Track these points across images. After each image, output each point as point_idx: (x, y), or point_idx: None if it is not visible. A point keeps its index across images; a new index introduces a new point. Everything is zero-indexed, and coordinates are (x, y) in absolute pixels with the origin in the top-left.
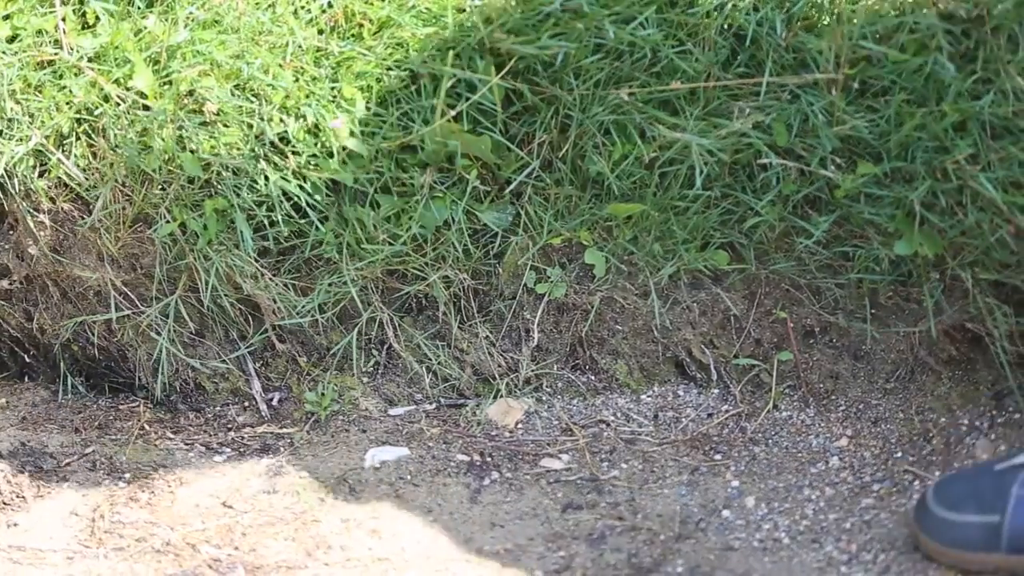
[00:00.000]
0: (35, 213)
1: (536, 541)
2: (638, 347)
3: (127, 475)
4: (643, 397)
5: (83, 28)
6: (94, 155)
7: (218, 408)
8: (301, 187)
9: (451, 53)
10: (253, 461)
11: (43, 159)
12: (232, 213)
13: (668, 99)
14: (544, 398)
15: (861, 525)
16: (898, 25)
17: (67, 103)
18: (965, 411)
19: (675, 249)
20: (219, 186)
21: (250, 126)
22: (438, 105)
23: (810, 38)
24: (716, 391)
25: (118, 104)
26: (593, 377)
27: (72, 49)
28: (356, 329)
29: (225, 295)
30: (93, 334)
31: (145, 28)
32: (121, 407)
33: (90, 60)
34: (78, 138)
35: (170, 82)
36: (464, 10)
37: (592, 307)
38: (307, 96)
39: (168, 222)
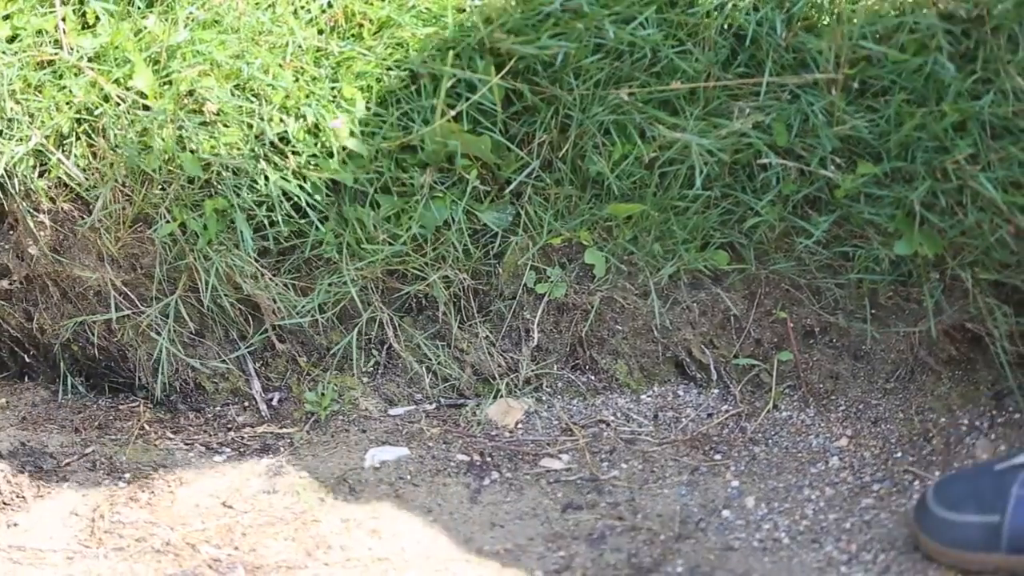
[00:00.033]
0: (35, 213)
1: (536, 541)
2: (638, 347)
3: (127, 475)
4: (643, 397)
5: (83, 28)
6: (94, 155)
7: (218, 408)
8: (301, 187)
9: (451, 53)
10: (253, 461)
11: (43, 159)
12: (232, 213)
13: (668, 99)
14: (544, 398)
15: (861, 525)
16: (898, 25)
17: (67, 103)
18: (965, 411)
19: (675, 249)
20: (219, 186)
21: (250, 126)
22: (438, 105)
23: (810, 38)
24: (716, 391)
25: (118, 104)
26: (593, 377)
27: (72, 49)
28: (356, 329)
29: (225, 295)
30: (93, 334)
31: (145, 28)
32: (121, 407)
33: (90, 60)
34: (78, 138)
35: (170, 82)
36: (464, 10)
37: (592, 307)
38: (307, 96)
39: (168, 222)
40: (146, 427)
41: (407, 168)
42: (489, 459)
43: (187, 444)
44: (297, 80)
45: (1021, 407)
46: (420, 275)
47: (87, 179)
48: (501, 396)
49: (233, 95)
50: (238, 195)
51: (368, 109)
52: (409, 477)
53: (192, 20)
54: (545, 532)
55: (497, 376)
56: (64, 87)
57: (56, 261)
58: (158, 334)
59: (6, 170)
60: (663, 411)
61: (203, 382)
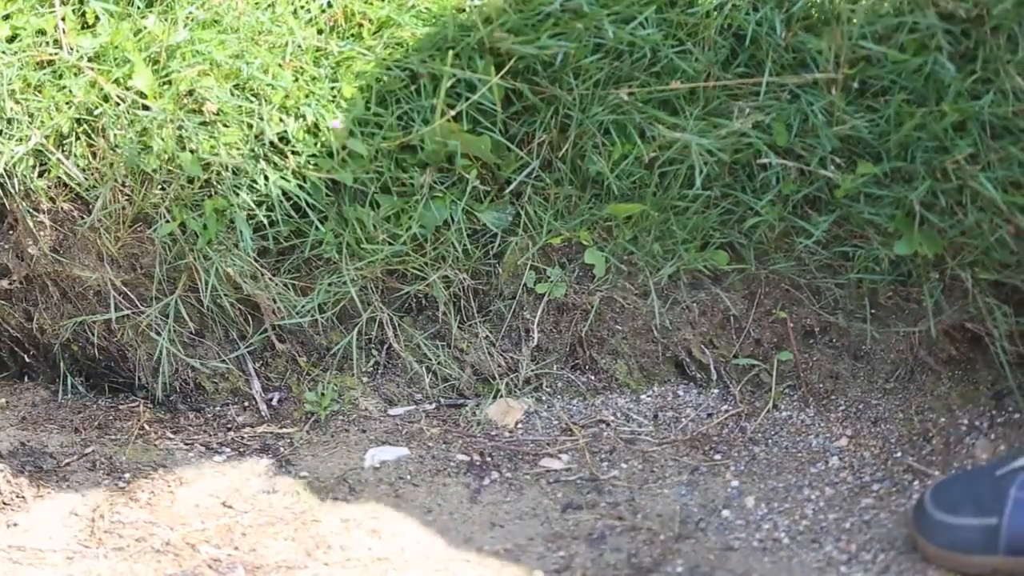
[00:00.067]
0: (35, 213)
1: (536, 541)
2: (638, 347)
3: (127, 475)
4: (643, 397)
5: (83, 28)
6: (94, 155)
7: (218, 408)
8: (301, 187)
9: (451, 53)
10: (253, 461)
11: (43, 159)
12: (232, 213)
13: (668, 99)
14: (544, 398)
15: (861, 525)
16: (898, 25)
17: (67, 103)
18: (965, 411)
19: (675, 249)
20: (219, 186)
21: (250, 126)
22: (438, 105)
23: (810, 38)
24: (716, 391)
25: (118, 104)
26: (593, 377)
27: (72, 49)
28: (356, 329)
29: (225, 295)
30: (93, 334)
31: (145, 28)
32: (121, 407)
33: (90, 60)
34: (78, 138)
35: (170, 82)
36: (464, 10)
37: (592, 307)
38: (307, 96)
39: (168, 222)
40: (146, 427)
41: (407, 168)
42: (489, 459)
43: (187, 444)
44: (297, 80)
45: (1021, 407)
46: (420, 275)
47: (87, 179)
48: (501, 396)
49: (233, 95)
50: (238, 195)
51: (368, 109)
52: (409, 477)
53: (192, 20)
54: (545, 532)
55: (497, 376)
56: (64, 87)
57: (56, 261)
58: (158, 334)
59: (6, 170)
60: (663, 411)
61: (203, 382)
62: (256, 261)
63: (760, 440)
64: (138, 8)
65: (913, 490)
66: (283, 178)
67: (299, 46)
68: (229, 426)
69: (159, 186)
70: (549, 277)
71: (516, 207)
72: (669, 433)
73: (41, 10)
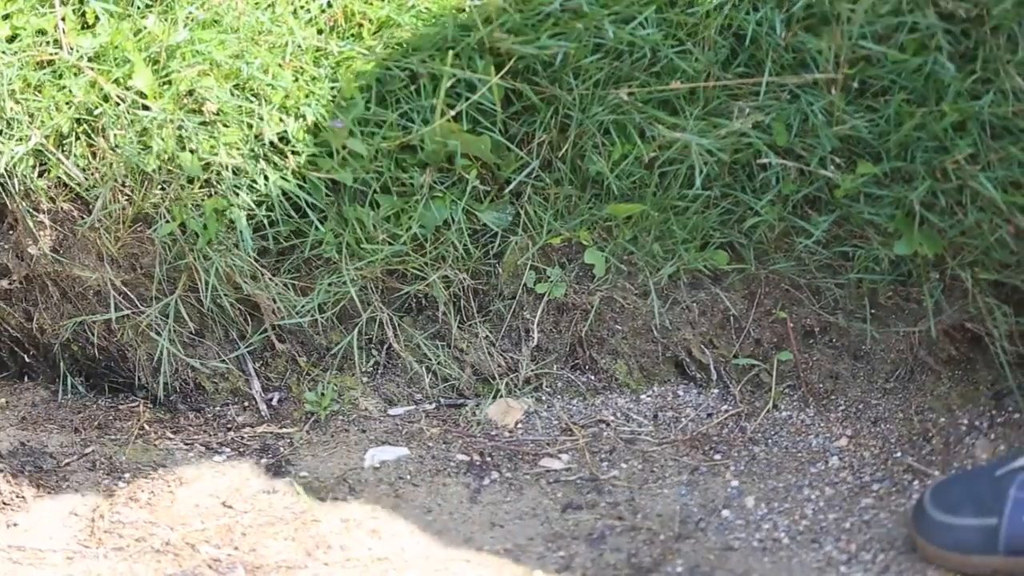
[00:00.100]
0: (35, 213)
1: (536, 541)
2: (638, 347)
3: (127, 475)
4: (643, 397)
5: (83, 28)
6: (94, 155)
7: (218, 408)
8: (301, 187)
9: (451, 53)
10: (253, 461)
11: (43, 159)
12: (232, 213)
13: (668, 99)
14: (544, 398)
15: (860, 525)
16: (898, 25)
17: (67, 103)
18: (965, 411)
19: (675, 249)
20: (219, 186)
21: (250, 126)
22: (438, 105)
23: (809, 38)
24: (716, 391)
25: (118, 104)
26: (593, 377)
27: (72, 49)
28: (356, 329)
29: (225, 295)
30: (93, 334)
31: (145, 28)
32: (121, 407)
33: (90, 60)
34: (78, 138)
35: (170, 82)
36: (464, 10)
37: (592, 307)
38: (307, 96)
39: (168, 222)
40: (146, 427)
41: (407, 168)
42: (489, 459)
43: (187, 444)
44: (297, 80)
45: (1021, 407)
46: (420, 275)
47: (87, 179)
48: (501, 396)
49: (233, 95)
50: (238, 195)
51: (368, 109)
52: (409, 477)
53: (192, 20)
54: (545, 532)
55: (497, 376)
56: (64, 87)
57: (56, 261)
58: (158, 334)
59: (6, 170)
60: (663, 411)
61: (203, 382)
62: (256, 261)
63: (760, 440)
64: (138, 8)
65: (913, 490)
66: (283, 178)
67: (299, 46)
68: (229, 426)
69: (159, 186)
70: (549, 277)
71: (516, 207)
72: (669, 433)
73: (41, 10)
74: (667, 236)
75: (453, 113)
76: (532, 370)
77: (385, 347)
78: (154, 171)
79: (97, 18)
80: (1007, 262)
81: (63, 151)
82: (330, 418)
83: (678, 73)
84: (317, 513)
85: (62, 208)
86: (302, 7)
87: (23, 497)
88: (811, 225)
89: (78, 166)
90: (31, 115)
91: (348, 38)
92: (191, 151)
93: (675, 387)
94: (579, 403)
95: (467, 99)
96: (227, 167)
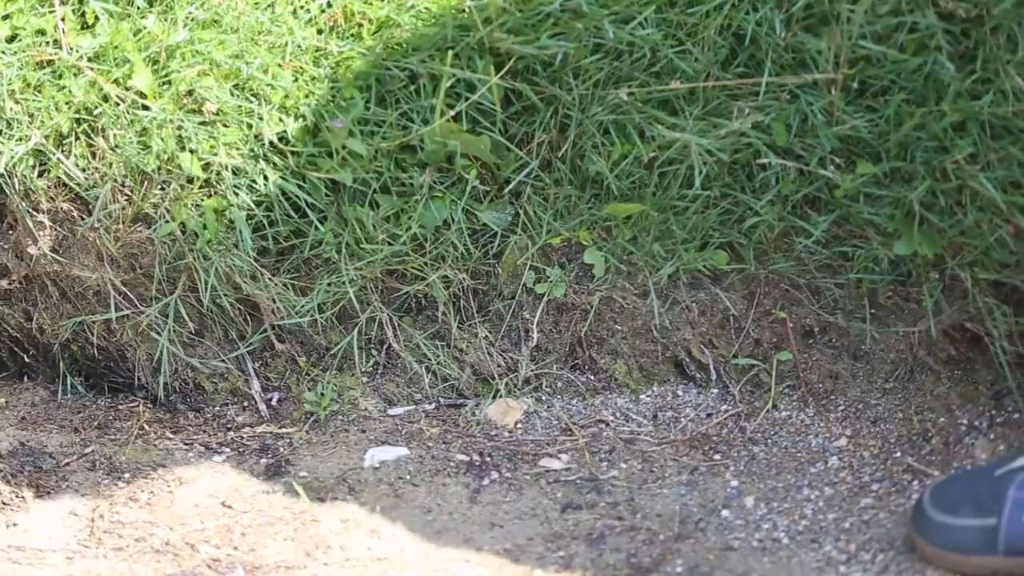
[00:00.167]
0: (34, 213)
1: (535, 541)
2: (637, 347)
3: (126, 475)
4: (642, 397)
5: (82, 28)
6: (93, 155)
7: (217, 408)
8: (300, 187)
9: (450, 53)
10: (252, 461)
11: (43, 159)
12: (231, 213)
13: (667, 99)
14: (543, 398)
15: (860, 525)
16: (897, 25)
17: (66, 103)
18: (964, 411)
19: (674, 249)
20: (218, 186)
21: (249, 126)
22: (437, 105)
23: (809, 38)
24: (715, 391)
25: (117, 104)
26: (592, 377)
27: (71, 49)
28: (355, 329)
29: (224, 295)
30: (92, 334)
31: (144, 28)
32: (120, 407)
33: (89, 60)
34: (77, 138)
35: (169, 82)
36: (464, 10)
37: (591, 307)
38: (306, 96)
39: (168, 222)
40: (145, 427)
41: (406, 168)
42: (488, 459)
43: (186, 444)
44: (296, 80)
45: (1020, 407)
46: (419, 275)
47: (87, 179)
48: (500, 396)
49: (232, 95)
50: (237, 195)
51: (367, 109)
52: (408, 477)
53: (191, 20)
54: (544, 532)
55: (496, 376)
56: (63, 87)
57: (56, 261)
58: (158, 334)
59: (6, 170)
60: (662, 411)
61: (202, 382)
62: (256, 261)
63: (759, 440)
64: (138, 8)
65: (912, 490)
66: (283, 178)
67: (299, 46)
68: (229, 426)
69: (159, 186)
70: (549, 277)
71: (516, 207)
72: (668, 433)
73: (41, 10)
74: (667, 236)
75: (453, 113)
76: (532, 370)
77: (385, 347)
78: (154, 171)
79: (97, 18)
80: (1007, 262)
81: (63, 151)
82: (330, 418)
83: (678, 73)
84: (317, 513)
85: (62, 208)
86: (302, 7)
87: (23, 497)
88: (811, 225)
89: (78, 166)
90: (31, 115)
91: (348, 38)
92: (191, 151)
93: (675, 387)
94: (579, 403)
95: (467, 99)
96: (227, 167)
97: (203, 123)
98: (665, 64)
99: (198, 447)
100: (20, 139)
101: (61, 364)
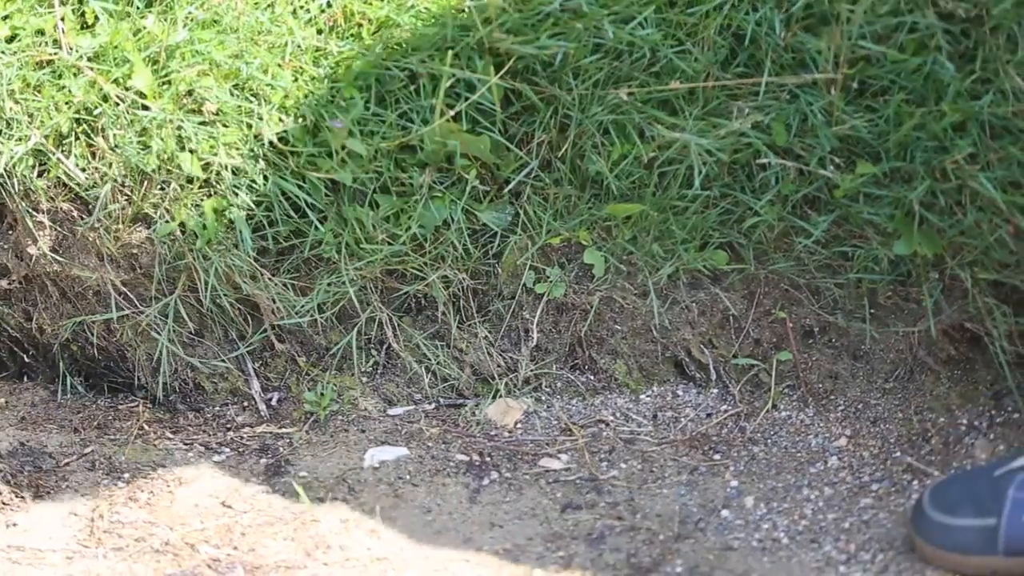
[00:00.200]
0: (34, 213)
1: (535, 541)
2: (637, 347)
3: (126, 475)
4: (642, 397)
5: (82, 28)
6: (93, 155)
7: (217, 408)
8: (300, 187)
9: (450, 53)
10: (252, 461)
11: (42, 159)
12: (231, 213)
13: (667, 99)
14: (543, 398)
15: (860, 525)
16: (897, 25)
17: (66, 103)
18: (964, 411)
19: (674, 249)
20: (218, 186)
21: (249, 126)
22: (437, 105)
23: (809, 38)
24: (715, 391)
25: (117, 104)
26: (592, 377)
27: (71, 49)
28: (355, 329)
29: (224, 295)
30: (92, 334)
31: (144, 28)
32: (120, 407)
33: (89, 60)
34: (77, 138)
35: (169, 82)
36: (463, 10)
37: (591, 307)
38: (306, 96)
39: (167, 222)
40: (145, 427)
41: (406, 168)
42: (488, 459)
43: (186, 444)
44: (296, 80)
45: (1020, 407)
46: (419, 275)
47: (87, 179)
48: (500, 396)
49: (232, 95)
50: (237, 195)
51: (367, 109)
52: (408, 477)
53: (191, 20)
54: (544, 532)
55: (496, 376)
56: (63, 87)
57: (56, 261)
58: (158, 334)
59: (6, 170)
60: (662, 411)
61: (202, 382)
62: (255, 261)
63: (759, 440)
64: (137, 8)
65: (912, 490)
66: (282, 178)
67: (298, 46)
68: (228, 426)
69: (159, 186)
70: (548, 277)
71: (515, 207)
72: (668, 433)
73: (40, 10)
74: (666, 236)
75: (452, 113)
76: (531, 370)
77: (384, 347)
78: (154, 171)
79: (96, 18)
80: (1006, 262)
81: (63, 151)
82: (329, 418)
83: (677, 73)
84: (316, 513)
85: (61, 208)
86: (301, 7)
87: (22, 497)
88: (810, 225)
89: (78, 166)
90: (31, 115)
91: (347, 38)
92: (191, 151)
93: (674, 387)
94: (578, 403)
95: (466, 99)
96: (227, 167)
97: (203, 123)
98: (665, 64)
99: (198, 447)
100: (20, 139)
101: (61, 364)
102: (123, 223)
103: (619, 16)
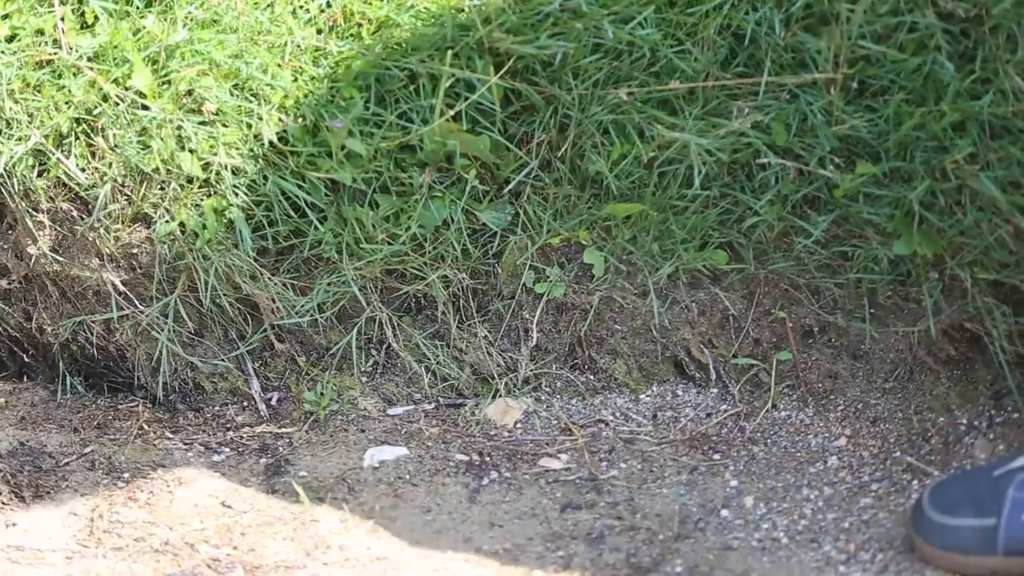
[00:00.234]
0: (34, 212)
1: (535, 541)
2: (637, 347)
3: (126, 475)
4: (642, 397)
5: (82, 28)
6: (93, 155)
7: (217, 408)
8: (300, 187)
9: (450, 53)
10: (252, 461)
11: (42, 159)
12: (231, 213)
13: (667, 99)
14: (543, 398)
15: (859, 525)
16: (897, 24)
17: (66, 103)
18: (964, 411)
19: (674, 249)
20: (218, 186)
21: (249, 126)
22: (437, 105)
23: (809, 38)
24: (715, 391)
25: (117, 104)
26: (592, 377)
27: (71, 49)
28: (355, 329)
29: (224, 295)
30: (92, 334)
31: (144, 28)
32: (120, 407)
33: (89, 60)
34: (77, 138)
35: (169, 82)
36: (463, 10)
37: (591, 307)
38: (306, 96)
39: (167, 222)
40: (145, 427)
41: (406, 168)
42: (488, 459)
43: (186, 444)
44: (296, 80)
45: (1020, 407)
46: (419, 275)
47: (87, 179)
48: (500, 396)
49: (232, 95)
50: (237, 195)
51: (367, 109)
52: (408, 477)
53: (191, 20)
54: (544, 532)
55: (496, 376)
56: (63, 87)
57: (56, 261)
58: (157, 334)
59: (6, 170)
60: (662, 411)
61: (202, 382)
62: (255, 261)
63: (759, 440)
64: (137, 8)
65: (912, 490)
66: (282, 178)
67: (298, 46)
68: (228, 426)
69: (159, 186)
70: (548, 277)
71: (515, 207)
72: (668, 433)
73: (40, 10)
74: (666, 236)
75: (452, 113)
76: (531, 370)
77: (384, 347)
78: (153, 171)
79: (96, 18)
80: (1006, 262)
81: (63, 151)
82: (329, 418)
83: (677, 73)
84: (316, 513)
85: (61, 208)
86: (301, 7)
87: (22, 497)
88: (810, 225)
89: (78, 166)
90: (30, 115)
91: (347, 38)
92: (190, 151)
93: (674, 387)
94: (578, 403)
95: (466, 99)
96: (226, 167)
97: (203, 123)
98: (665, 64)
99: (198, 447)
100: (20, 139)
101: (61, 364)
102: (123, 223)
103: (619, 16)
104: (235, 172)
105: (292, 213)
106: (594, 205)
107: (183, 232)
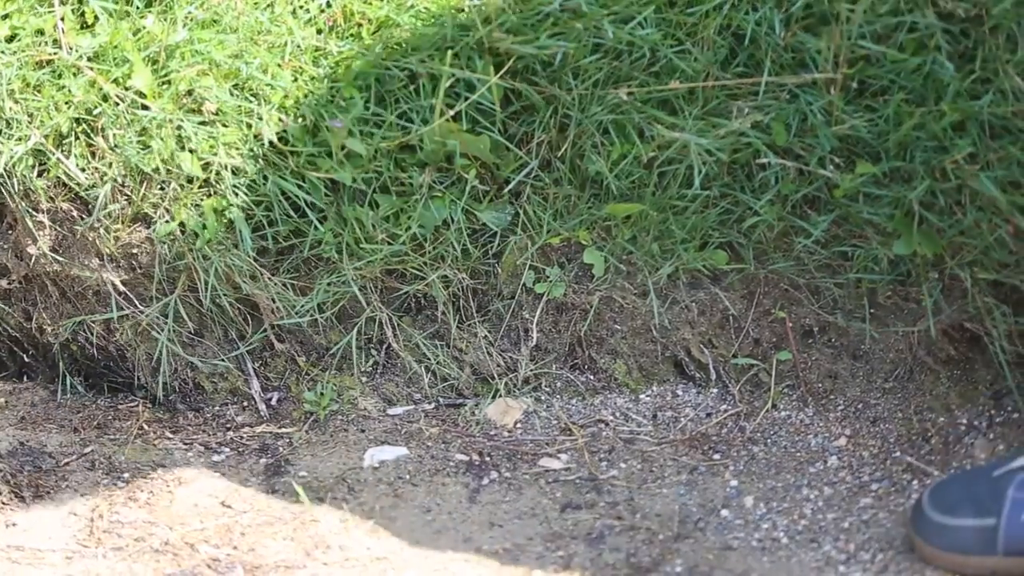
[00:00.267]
0: (34, 212)
1: (535, 541)
2: (637, 347)
3: (126, 475)
4: (642, 397)
5: (82, 28)
6: (93, 155)
7: (217, 408)
8: (300, 186)
9: (450, 53)
10: (252, 461)
11: (42, 159)
12: (231, 212)
13: (667, 99)
14: (543, 398)
15: (859, 525)
16: (897, 24)
17: (66, 103)
18: (964, 411)
19: (674, 249)
20: (218, 186)
21: (249, 126)
22: (437, 105)
23: (808, 38)
24: (715, 391)
25: (117, 104)
26: (592, 377)
27: (71, 49)
28: (355, 329)
29: (224, 295)
30: (92, 334)
31: (144, 28)
32: (120, 407)
33: (89, 60)
34: (77, 138)
35: (169, 82)
36: (463, 10)
37: (591, 307)
38: (306, 96)
39: (167, 222)
40: (145, 427)
41: (406, 168)
42: (488, 459)
43: (186, 444)
44: (296, 80)
45: (1019, 407)
46: (419, 275)
47: (87, 179)
48: (500, 396)
49: (232, 95)
50: (237, 195)
51: (367, 109)
52: (408, 477)
53: (191, 20)
54: (544, 532)
55: (496, 376)
56: (63, 87)
57: (56, 261)
58: (157, 334)
59: (6, 170)
60: (662, 411)
61: (202, 382)
62: (255, 261)
63: (759, 440)
64: (137, 8)
65: (912, 490)
66: (282, 178)
67: (298, 46)
68: (228, 426)
69: (159, 186)
70: (548, 277)
71: (515, 207)
72: (668, 433)
73: (40, 10)
74: (666, 236)
75: (452, 113)
76: (531, 370)
77: (384, 347)
78: (154, 171)
79: (96, 18)
80: (1006, 262)
81: (63, 151)
82: (329, 418)
83: (677, 73)
84: (316, 513)
85: (61, 208)
86: (301, 7)
87: (22, 497)
88: (810, 225)
89: (78, 166)
90: (30, 115)
91: (347, 38)
92: (190, 151)
93: (674, 387)
94: (578, 403)
95: (466, 99)
96: (226, 167)
97: (203, 123)
98: (664, 64)
99: (198, 447)
100: (20, 139)
101: (61, 364)
102: (123, 223)
103: (619, 16)
104: (235, 172)
105: (292, 213)
106: (594, 205)
107: (183, 232)
